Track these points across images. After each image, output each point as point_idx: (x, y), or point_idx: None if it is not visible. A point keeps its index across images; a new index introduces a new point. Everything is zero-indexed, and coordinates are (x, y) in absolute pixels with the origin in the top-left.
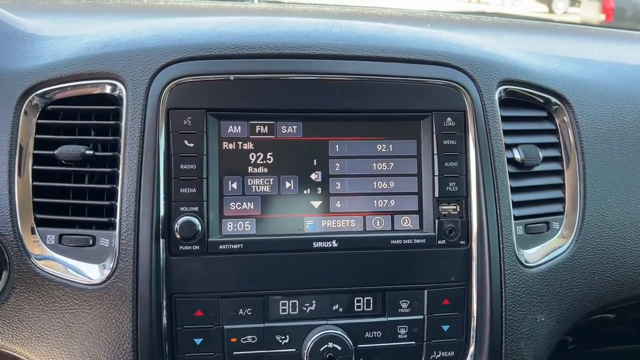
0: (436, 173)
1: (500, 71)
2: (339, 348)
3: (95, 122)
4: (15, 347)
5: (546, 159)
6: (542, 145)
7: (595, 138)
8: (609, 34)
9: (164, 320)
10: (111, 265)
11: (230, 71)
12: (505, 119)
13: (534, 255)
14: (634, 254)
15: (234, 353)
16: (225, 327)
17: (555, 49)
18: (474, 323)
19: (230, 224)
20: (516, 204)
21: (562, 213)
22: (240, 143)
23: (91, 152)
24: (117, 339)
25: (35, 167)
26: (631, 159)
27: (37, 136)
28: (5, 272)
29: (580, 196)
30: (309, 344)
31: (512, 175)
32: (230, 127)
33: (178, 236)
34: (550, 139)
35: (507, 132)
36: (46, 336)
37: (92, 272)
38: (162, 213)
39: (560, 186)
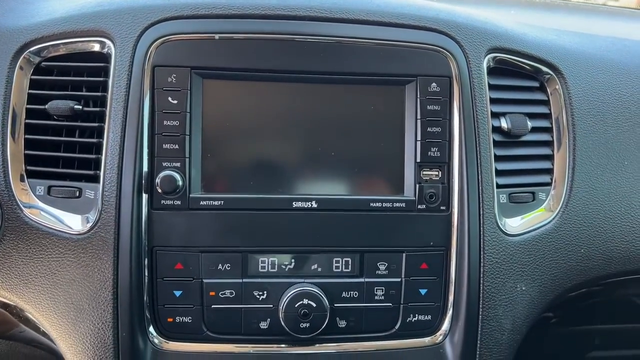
0: (419, 138)
1: (489, 38)
2: (314, 305)
3: (85, 78)
4: (5, 292)
5: (535, 130)
6: (532, 116)
7: (587, 110)
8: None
9: (145, 271)
10: (94, 216)
11: (216, 30)
12: (494, 87)
13: (517, 224)
14: (623, 229)
15: (212, 306)
16: (205, 281)
17: (563, 26)
18: (451, 288)
19: (212, 182)
20: (501, 172)
21: (549, 184)
22: (224, 102)
23: (80, 107)
24: (99, 287)
25: (27, 120)
26: (624, 133)
27: (30, 91)
28: (1, 220)
29: (569, 168)
30: (284, 300)
31: (499, 144)
32: (215, 86)
33: (159, 190)
34: (541, 109)
35: (495, 101)
36: (33, 282)
37: (77, 223)
38: (145, 167)
39: (549, 157)
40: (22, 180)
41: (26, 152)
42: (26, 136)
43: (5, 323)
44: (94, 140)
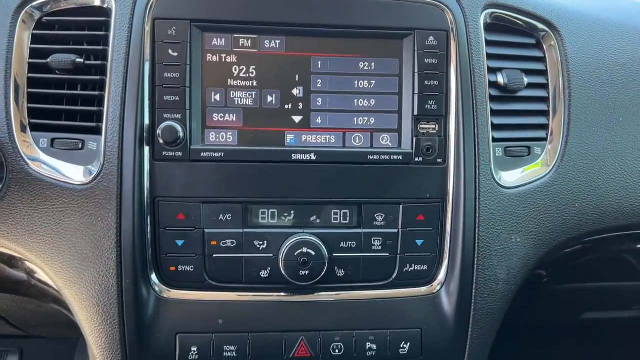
0: (416, 91)
1: None
2: (313, 253)
3: (87, 32)
4: (11, 244)
5: (532, 86)
6: (529, 72)
7: (583, 67)
8: None
9: (148, 221)
10: (97, 167)
11: None
12: (491, 43)
13: (513, 177)
14: (616, 185)
15: (214, 256)
16: (206, 230)
17: None
18: (447, 239)
19: (212, 134)
20: (497, 127)
21: (544, 139)
22: (223, 55)
23: (81, 60)
24: (102, 236)
25: (30, 75)
26: (620, 90)
27: (32, 46)
28: (2, 173)
29: (564, 123)
30: (284, 249)
31: (495, 99)
32: (214, 39)
33: (161, 141)
34: (537, 66)
35: (492, 56)
36: (37, 233)
37: (80, 174)
38: (146, 119)
39: (545, 113)
40: (25, 133)
41: (29, 105)
42: (29, 90)
43: (10, 278)
44: (96, 93)
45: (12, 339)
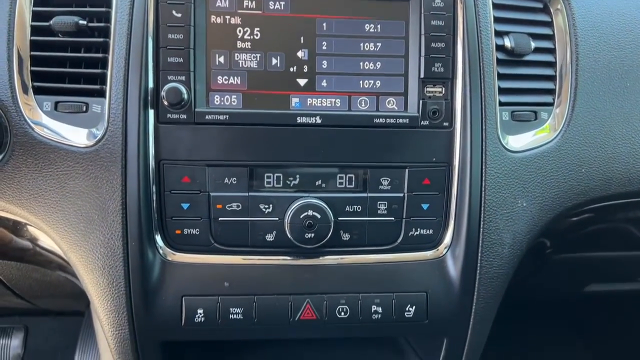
0: (423, 54)
1: None
2: (319, 216)
3: None
4: (16, 208)
5: (539, 50)
6: (536, 36)
7: (590, 31)
8: None
9: (152, 184)
10: (102, 130)
11: None
12: (498, 7)
13: (519, 141)
14: (623, 150)
15: (220, 219)
16: (212, 194)
17: None
18: (453, 203)
19: (217, 97)
20: (504, 91)
21: (551, 104)
22: (227, 17)
23: (84, 22)
24: (108, 198)
25: (32, 38)
26: (628, 55)
27: (34, 9)
28: (6, 137)
29: (571, 88)
30: (290, 211)
31: (502, 62)
32: (218, 0)
33: (165, 103)
34: (545, 30)
35: (499, 20)
36: (42, 196)
37: (85, 136)
38: (150, 81)
39: (551, 78)
40: (28, 96)
41: (32, 68)
42: (32, 53)
43: (15, 246)
44: (99, 55)
45: (18, 316)
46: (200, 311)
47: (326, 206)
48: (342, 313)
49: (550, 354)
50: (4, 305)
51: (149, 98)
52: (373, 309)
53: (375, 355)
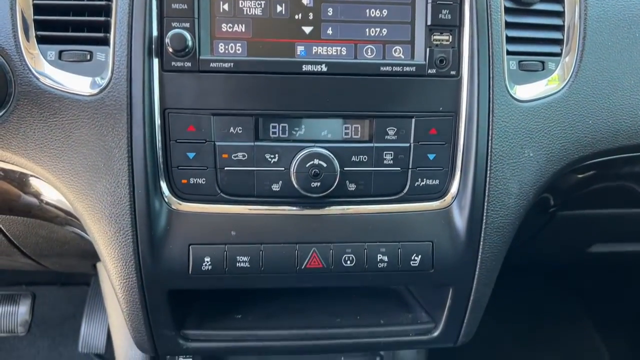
0: (430, 0)
1: None
2: (325, 165)
3: None
4: (22, 159)
5: None
6: None
7: None
8: None
9: (158, 133)
10: (106, 78)
11: None
12: None
13: (526, 91)
14: (631, 102)
15: (225, 168)
16: (217, 143)
17: None
18: (460, 153)
19: (221, 45)
20: (511, 40)
21: (559, 55)
22: None
23: None
24: (113, 146)
25: None
26: (637, 4)
27: None
28: (10, 87)
29: (580, 38)
30: (296, 160)
31: (510, 11)
32: None
33: (170, 49)
34: None
35: None
36: (48, 146)
37: (89, 84)
38: (154, 30)
39: (560, 27)
40: (32, 46)
41: (35, 17)
42: (34, 2)
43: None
44: (103, 2)
45: (25, 285)
46: (207, 259)
47: (332, 155)
48: (348, 262)
49: (551, 320)
50: (10, 267)
51: (153, 46)
52: (379, 258)
53: (380, 309)
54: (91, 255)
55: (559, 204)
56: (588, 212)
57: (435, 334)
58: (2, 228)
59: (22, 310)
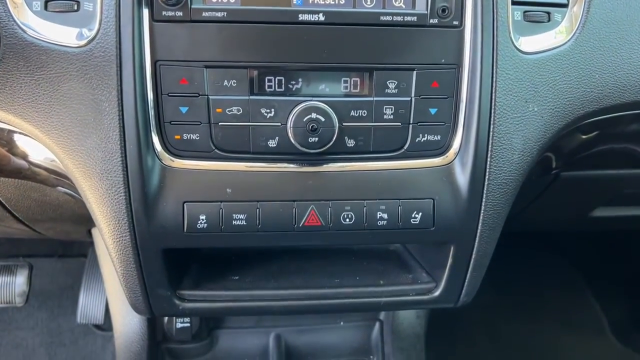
0: None
1: None
2: (323, 119)
3: None
4: (9, 116)
5: None
6: None
7: None
8: None
9: (149, 86)
10: (94, 29)
11: None
12: None
13: (531, 43)
14: (639, 57)
15: (220, 124)
16: (211, 97)
17: None
18: (462, 107)
19: None
20: None
21: (565, 5)
22: None
23: None
24: (103, 100)
25: None
26: None
27: None
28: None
29: None
30: (293, 115)
31: None
32: None
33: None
34: None
35: None
36: (36, 101)
37: (76, 36)
38: None
39: None
40: None
41: None
42: None
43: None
44: None
45: (22, 257)
46: (202, 217)
47: (330, 109)
48: (347, 219)
49: (550, 288)
50: (5, 234)
51: None
52: (378, 216)
53: (379, 270)
54: (86, 220)
55: (562, 165)
56: (592, 173)
57: (436, 293)
58: None
59: (20, 280)
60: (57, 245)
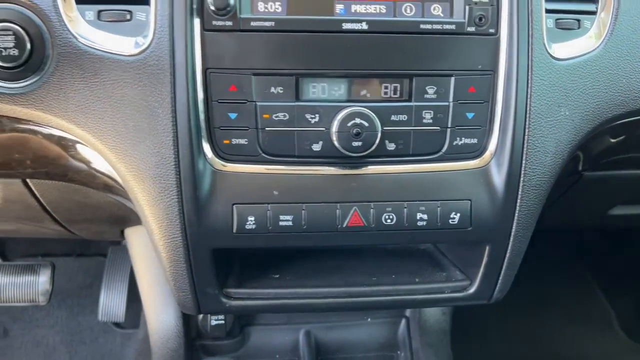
0: None
1: None
2: (366, 124)
3: None
4: (63, 122)
5: None
6: None
7: None
8: None
9: (200, 94)
10: (148, 38)
11: None
12: None
13: (563, 49)
14: None
15: (267, 129)
16: (258, 103)
17: None
18: (498, 111)
19: (261, 4)
20: None
21: (594, 12)
22: None
23: None
24: (157, 107)
25: None
26: None
27: None
28: (48, 49)
29: None
30: (337, 119)
31: None
32: None
33: (212, 8)
34: None
35: None
36: (90, 107)
37: (131, 44)
38: None
39: None
40: (70, 6)
41: None
42: None
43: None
44: None
45: (41, 257)
46: (251, 218)
47: (373, 114)
48: (389, 220)
49: (558, 282)
50: (31, 234)
51: (194, 5)
52: (418, 217)
53: (413, 268)
54: (122, 221)
55: (589, 167)
56: (614, 173)
57: (471, 290)
58: (37, 194)
59: (43, 279)
60: (75, 245)
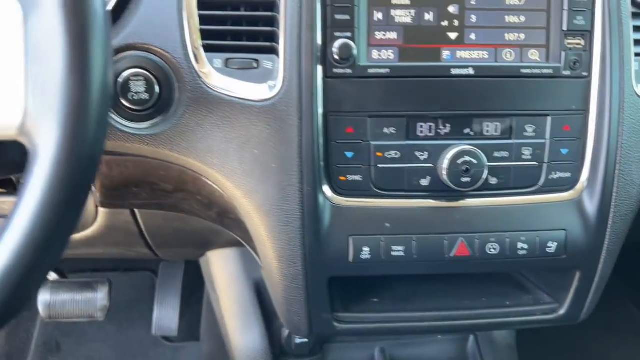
0: (565, 7)
1: None
2: (475, 162)
3: None
4: (189, 160)
5: None
6: None
7: None
8: None
9: (321, 135)
10: (278, 85)
11: None
12: None
13: None
14: None
15: (379, 166)
16: (372, 143)
17: None
18: (590, 147)
19: (375, 52)
20: (635, 42)
21: None
22: None
23: None
24: (286, 148)
25: None
26: None
27: None
28: (175, 92)
29: None
30: (447, 157)
31: (635, 15)
32: None
33: (337, 57)
34: None
35: None
36: (219, 148)
37: (259, 91)
38: (319, 38)
39: None
40: (199, 54)
41: (202, 27)
42: (200, 12)
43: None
44: (269, 13)
45: (90, 272)
46: (366, 249)
47: (481, 152)
48: (492, 250)
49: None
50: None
51: (319, 54)
52: (519, 246)
53: (500, 292)
54: (209, 245)
55: None
56: None
57: (561, 312)
58: (140, 222)
59: (101, 296)
60: (122, 260)
